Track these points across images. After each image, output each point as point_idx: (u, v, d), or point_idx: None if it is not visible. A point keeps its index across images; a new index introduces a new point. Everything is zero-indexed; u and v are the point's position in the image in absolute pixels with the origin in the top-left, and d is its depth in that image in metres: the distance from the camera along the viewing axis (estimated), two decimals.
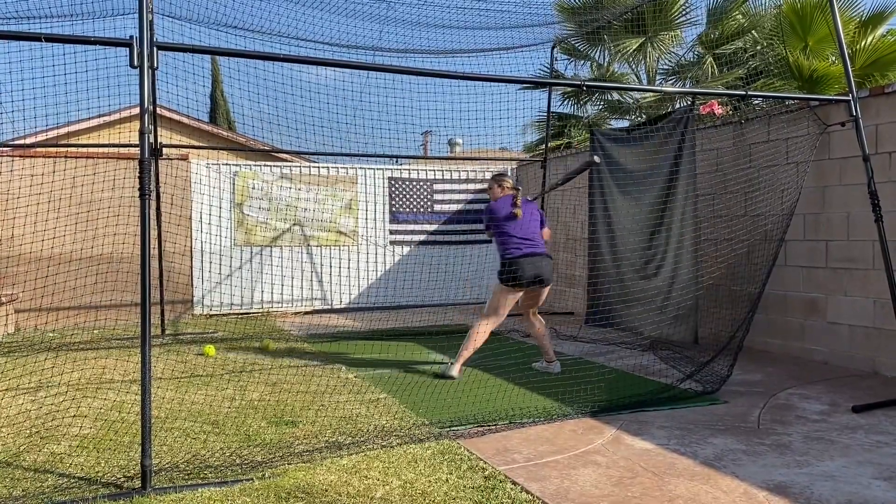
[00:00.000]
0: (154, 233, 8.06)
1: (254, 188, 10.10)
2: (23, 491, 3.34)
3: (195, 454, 3.85)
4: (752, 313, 5.58)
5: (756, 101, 7.44)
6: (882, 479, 3.44)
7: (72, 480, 3.48)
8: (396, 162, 11.37)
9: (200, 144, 12.70)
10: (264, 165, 10.37)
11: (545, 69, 10.82)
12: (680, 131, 7.02)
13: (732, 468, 3.60)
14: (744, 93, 5.96)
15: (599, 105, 12.64)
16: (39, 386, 5.52)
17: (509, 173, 11.45)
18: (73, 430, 4.33)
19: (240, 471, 3.57)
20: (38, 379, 5.74)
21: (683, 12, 11.13)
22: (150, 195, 3.55)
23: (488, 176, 11.22)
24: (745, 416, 4.57)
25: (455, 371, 5.72)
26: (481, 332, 5.73)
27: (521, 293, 5.77)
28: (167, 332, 8.31)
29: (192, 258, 9.74)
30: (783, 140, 6.58)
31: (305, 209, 10.31)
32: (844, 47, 5.82)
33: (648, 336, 7.01)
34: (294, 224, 10.29)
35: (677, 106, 10.16)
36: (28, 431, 4.31)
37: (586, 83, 6.10)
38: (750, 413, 4.63)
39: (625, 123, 12.09)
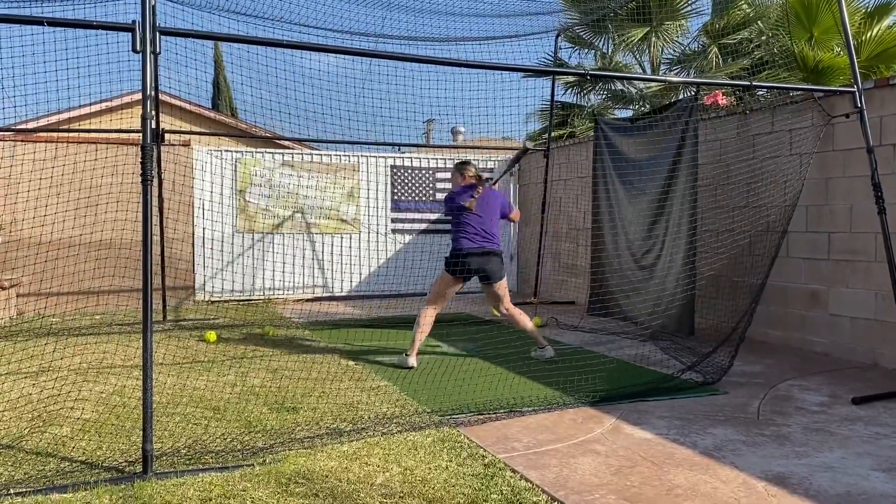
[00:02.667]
0: (156, 219, 8.06)
1: (256, 175, 10.09)
2: (25, 474, 3.35)
3: (196, 439, 3.86)
4: (754, 305, 5.58)
5: (760, 92, 7.42)
6: (881, 471, 3.45)
7: (74, 464, 3.50)
8: (399, 150, 11.36)
9: (202, 131, 12.69)
10: (266, 152, 10.36)
11: (549, 58, 10.78)
12: (683, 122, 7.00)
13: (732, 458, 3.61)
14: (748, 83, 5.94)
15: (603, 94, 12.60)
16: (41, 370, 5.54)
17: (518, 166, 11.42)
18: (74, 414, 4.35)
19: (241, 456, 3.59)
20: (40, 363, 5.76)
21: (689, 1, 11.07)
22: (151, 181, 3.54)
23: (491, 165, 11.20)
24: (745, 406, 4.58)
25: (412, 361, 5.77)
26: (427, 319, 5.85)
27: (461, 283, 5.90)
28: (168, 318, 8.33)
29: (193, 244, 9.74)
30: (787, 131, 6.56)
31: (307, 196, 10.30)
32: (850, 38, 5.79)
33: (647, 326, 7.02)
34: (296, 211, 10.29)
35: (681, 96, 10.12)
36: (30, 415, 4.33)
37: (590, 72, 6.07)
38: (750, 404, 4.64)
39: (628, 113, 12.06)
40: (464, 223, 5.84)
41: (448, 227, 10.73)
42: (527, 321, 5.96)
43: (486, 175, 6.32)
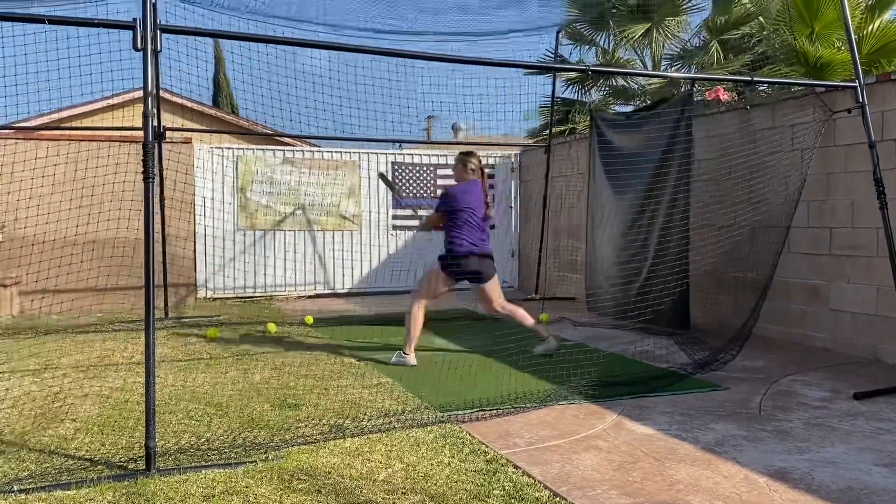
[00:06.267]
0: (157, 216, 8.06)
1: (257, 172, 10.09)
2: (29, 472, 3.36)
3: (199, 436, 3.87)
4: (761, 301, 5.59)
5: (762, 87, 7.40)
6: (882, 466, 3.45)
7: (77, 461, 3.51)
8: (399, 147, 11.36)
9: (203, 128, 12.70)
10: (267, 149, 10.37)
11: (550, 54, 10.76)
12: (677, 116, 7.00)
13: (733, 454, 3.62)
14: (749, 78, 5.93)
15: (604, 90, 12.59)
16: (44, 368, 5.55)
17: (514, 158, 11.42)
18: (77, 411, 4.36)
19: (243, 453, 3.59)
20: (43, 361, 5.77)
21: None
22: (153, 178, 3.55)
23: (492, 161, 11.19)
24: (746, 402, 4.58)
25: (411, 359, 5.73)
26: (417, 314, 5.80)
27: (453, 283, 5.86)
28: (170, 315, 8.34)
29: (195, 242, 9.75)
30: (788, 126, 6.55)
31: (308, 193, 10.31)
32: (852, 33, 5.78)
33: (645, 321, 7.01)
34: (297, 208, 10.29)
35: (681, 91, 10.11)
36: (33, 413, 4.34)
37: (592, 68, 6.07)
38: (751, 399, 4.64)
39: (630, 109, 12.05)
40: (466, 223, 5.72)
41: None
42: (525, 316, 5.93)
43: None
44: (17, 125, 9.41)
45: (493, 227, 6.10)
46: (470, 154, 5.98)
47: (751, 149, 6.82)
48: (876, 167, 5.36)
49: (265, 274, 10.14)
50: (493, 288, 5.89)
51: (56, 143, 8.79)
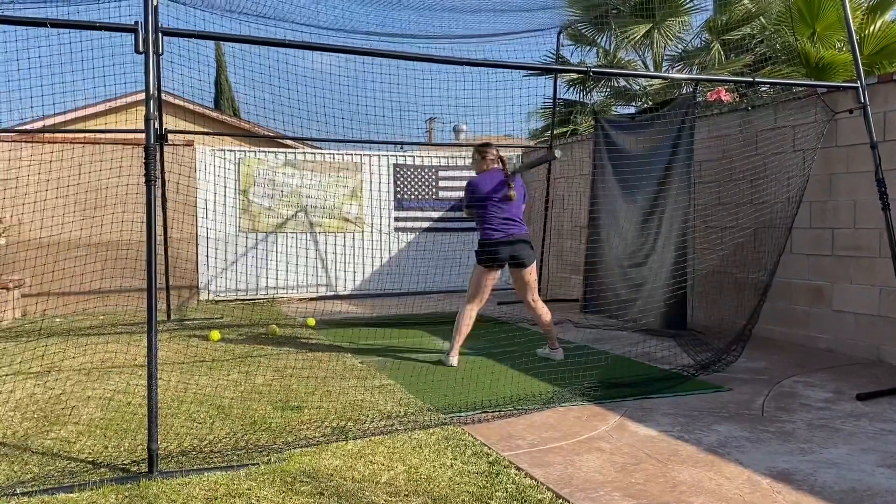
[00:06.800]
0: (160, 219, 8.07)
1: (259, 174, 10.10)
2: (31, 475, 3.36)
3: (201, 439, 3.87)
4: (762, 302, 5.58)
5: (763, 88, 7.40)
6: (886, 467, 3.45)
7: (79, 464, 3.51)
8: (401, 148, 11.36)
9: (205, 130, 12.70)
10: (269, 152, 10.37)
11: (551, 55, 10.76)
12: (680, 118, 6.99)
13: (736, 455, 3.61)
14: (751, 79, 5.93)
15: (605, 91, 12.58)
16: (46, 370, 5.56)
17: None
18: (79, 414, 4.36)
19: (245, 455, 3.60)
20: (46, 363, 5.78)
21: None
22: (155, 181, 3.55)
23: None
24: (749, 403, 4.58)
25: (453, 360, 5.73)
26: (467, 317, 5.77)
27: (498, 273, 5.82)
28: (173, 317, 8.35)
29: (197, 244, 9.76)
30: (790, 127, 6.54)
31: (310, 196, 10.31)
32: (853, 34, 5.78)
33: (644, 323, 7.00)
34: (299, 210, 10.29)
35: (683, 92, 10.11)
36: (35, 415, 4.34)
37: (593, 69, 6.07)
38: (754, 400, 4.64)
39: (631, 110, 12.04)
40: (492, 212, 5.72)
41: (455, 225, 10.89)
42: (549, 319, 5.90)
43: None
44: (19, 128, 9.42)
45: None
46: (486, 145, 6.01)
47: (753, 150, 6.82)
48: (878, 168, 5.36)
49: (267, 276, 10.15)
50: (531, 277, 5.84)
51: (59, 146, 8.80)
